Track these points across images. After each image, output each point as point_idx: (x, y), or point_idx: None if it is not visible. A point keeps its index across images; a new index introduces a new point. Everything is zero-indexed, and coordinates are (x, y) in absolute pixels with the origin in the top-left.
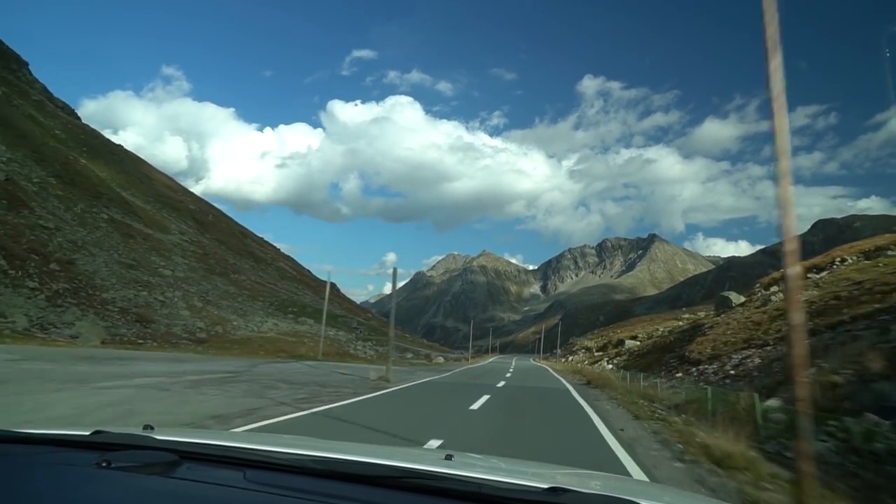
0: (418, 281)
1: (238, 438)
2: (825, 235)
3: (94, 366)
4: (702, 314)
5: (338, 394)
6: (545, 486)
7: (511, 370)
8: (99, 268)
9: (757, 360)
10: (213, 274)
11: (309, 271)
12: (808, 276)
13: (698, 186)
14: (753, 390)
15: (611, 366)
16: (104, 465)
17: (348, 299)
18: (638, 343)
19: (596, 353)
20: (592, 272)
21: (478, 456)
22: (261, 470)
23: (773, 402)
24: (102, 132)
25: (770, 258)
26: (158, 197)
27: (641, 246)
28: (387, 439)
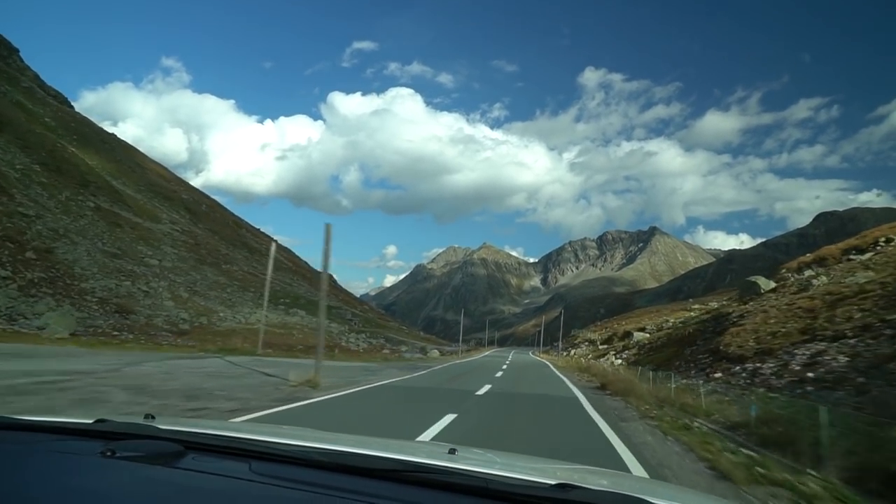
0: (418, 273)
1: (243, 429)
2: (827, 228)
3: None
4: (714, 304)
5: (201, 412)
6: (552, 482)
7: (505, 366)
8: (80, 256)
9: (842, 359)
10: (204, 264)
11: (306, 263)
12: (850, 257)
13: (699, 179)
14: (876, 407)
15: (620, 360)
16: (108, 454)
17: (345, 291)
18: (647, 335)
19: (600, 347)
20: (593, 265)
21: (481, 451)
22: (266, 461)
23: None
24: (101, 124)
25: (771, 251)
26: (151, 186)
27: (642, 239)
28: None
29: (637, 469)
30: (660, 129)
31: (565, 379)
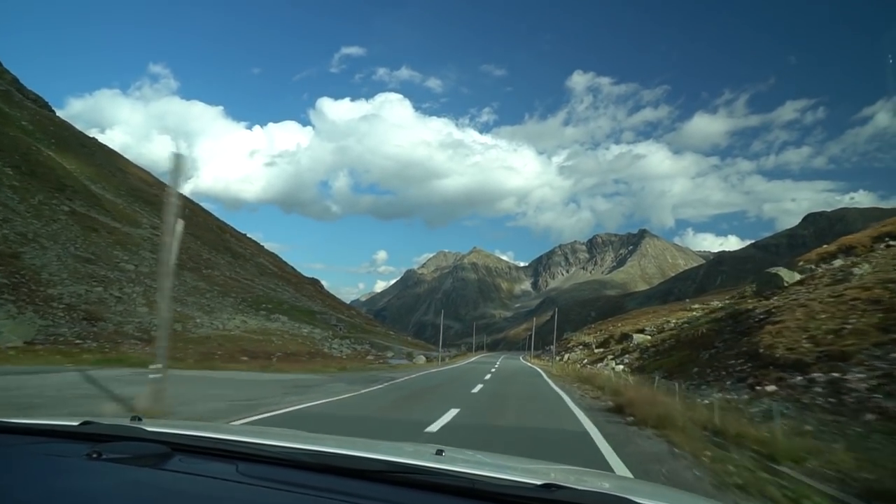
0: (409, 279)
1: (230, 431)
2: (816, 228)
3: None
4: (717, 303)
5: None
6: (539, 482)
7: (489, 376)
8: (49, 262)
9: None
10: (184, 269)
11: (293, 268)
12: (889, 243)
13: (688, 182)
14: None
15: (621, 366)
16: (94, 456)
17: (332, 296)
18: (648, 337)
19: (596, 350)
20: (583, 268)
21: (469, 451)
22: (253, 463)
23: None
24: (88, 131)
25: (761, 251)
26: (132, 190)
27: (632, 241)
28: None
29: None
30: (648, 132)
31: (564, 396)
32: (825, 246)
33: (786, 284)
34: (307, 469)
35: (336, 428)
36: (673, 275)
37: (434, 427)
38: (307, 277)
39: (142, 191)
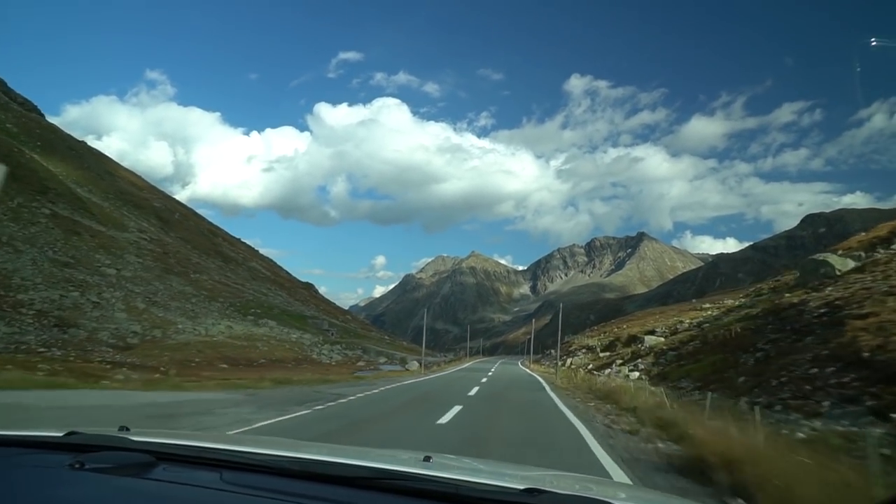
0: (407, 283)
1: (215, 440)
2: (815, 229)
3: None
4: (731, 301)
5: None
6: (521, 486)
7: (475, 390)
8: (23, 266)
9: None
10: (171, 273)
11: (287, 272)
12: None
13: (686, 184)
14: None
15: (636, 373)
16: (77, 466)
17: (327, 300)
18: (661, 339)
19: (602, 354)
20: (582, 271)
21: (456, 457)
22: (237, 471)
23: None
24: (85, 137)
25: (760, 253)
26: (120, 194)
27: (630, 244)
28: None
29: None
30: (646, 135)
31: (584, 430)
32: (863, 234)
33: (838, 273)
34: (292, 476)
35: None
36: (672, 277)
37: None
38: (301, 282)
39: (131, 194)
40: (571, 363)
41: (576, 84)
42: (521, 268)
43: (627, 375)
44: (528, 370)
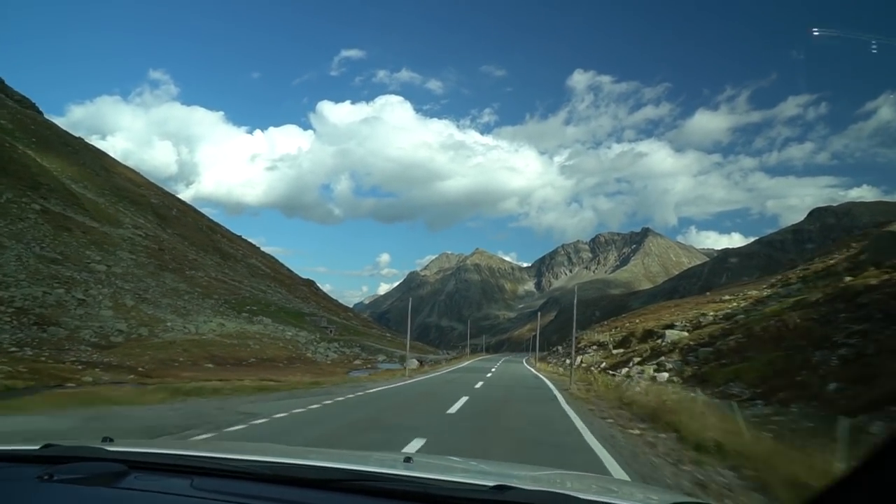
0: (412, 281)
1: (191, 447)
2: (822, 223)
3: None
4: (754, 292)
5: None
6: (491, 483)
7: (461, 402)
8: (6, 262)
9: None
10: (165, 270)
11: (288, 269)
12: None
13: (690, 179)
14: None
15: (664, 373)
16: (46, 478)
17: (328, 297)
18: (685, 334)
19: (615, 351)
20: (587, 268)
21: (438, 457)
22: (209, 477)
23: None
24: (89, 137)
25: (766, 248)
26: (117, 190)
27: (635, 240)
28: None
29: None
30: (650, 130)
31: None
32: None
33: None
34: (263, 481)
35: None
36: (677, 273)
37: None
38: (302, 279)
39: (127, 190)
40: (581, 361)
41: (579, 79)
42: (525, 264)
43: (654, 377)
44: (533, 370)
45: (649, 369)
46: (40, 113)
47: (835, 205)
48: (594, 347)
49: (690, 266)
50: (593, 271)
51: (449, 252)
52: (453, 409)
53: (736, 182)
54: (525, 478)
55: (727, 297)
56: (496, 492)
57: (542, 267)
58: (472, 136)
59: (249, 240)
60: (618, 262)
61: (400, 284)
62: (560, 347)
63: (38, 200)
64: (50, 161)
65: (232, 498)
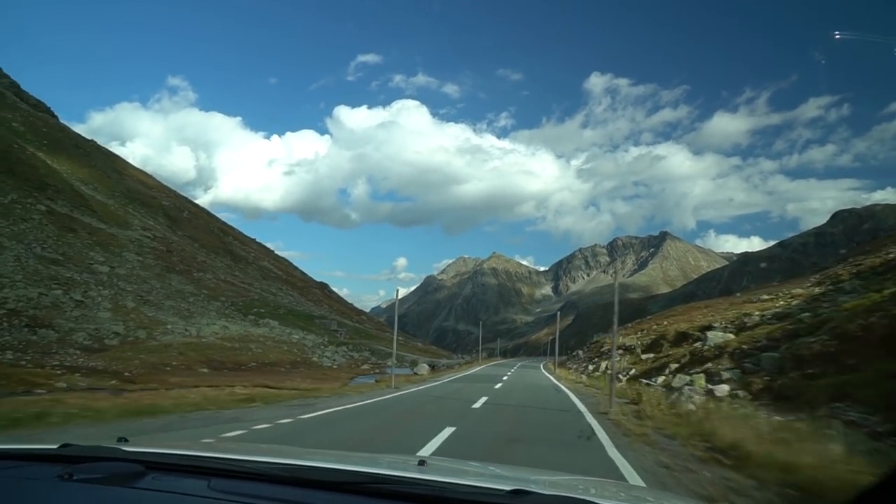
0: (429, 285)
1: (207, 448)
2: (845, 226)
3: None
4: (800, 290)
5: None
6: (508, 488)
7: (446, 436)
8: (3, 262)
9: None
10: (172, 272)
11: (302, 272)
12: None
13: (709, 183)
14: None
15: (723, 386)
16: (66, 477)
17: (342, 300)
18: (731, 336)
19: (644, 357)
20: (604, 271)
21: (451, 460)
22: (226, 478)
23: None
24: (109, 144)
25: (787, 251)
26: (128, 192)
27: (653, 244)
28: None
29: None
30: (668, 133)
31: None
32: None
33: None
34: (280, 483)
35: None
36: (696, 277)
37: None
38: (315, 282)
39: (138, 192)
40: (607, 368)
41: (596, 82)
42: (542, 268)
43: (708, 390)
44: (552, 378)
45: (699, 380)
46: (55, 117)
47: (859, 207)
48: (619, 352)
49: (709, 270)
50: (611, 275)
51: (466, 256)
52: (447, 433)
53: (755, 185)
54: (543, 483)
55: (766, 297)
56: (513, 497)
57: (560, 271)
58: (489, 140)
59: (267, 245)
60: (636, 266)
61: (417, 288)
62: (580, 352)
63: (45, 201)
64: (60, 163)
65: (248, 499)
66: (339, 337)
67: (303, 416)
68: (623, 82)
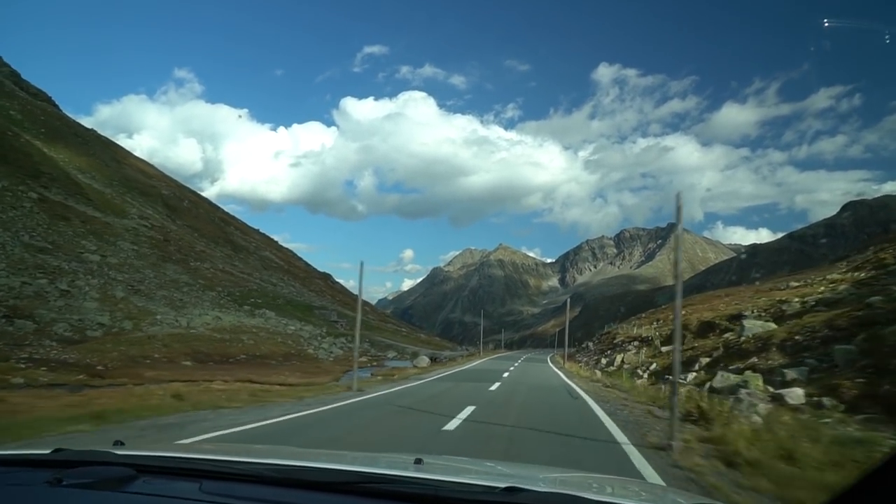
0: (435, 276)
1: (201, 450)
2: (856, 217)
3: None
4: (837, 275)
5: None
6: (502, 485)
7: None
8: None
9: None
10: (167, 261)
11: (305, 263)
12: None
13: (717, 174)
14: None
15: (794, 391)
16: (55, 482)
17: (345, 291)
18: (773, 325)
19: (664, 350)
20: (611, 263)
21: (448, 458)
22: (217, 480)
23: None
24: (116, 136)
25: (797, 243)
26: (126, 181)
27: (660, 235)
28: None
29: None
30: (676, 124)
31: None
32: None
33: None
34: (272, 484)
35: None
36: (703, 268)
37: None
38: (318, 272)
39: (137, 181)
40: (623, 361)
41: (604, 73)
42: (549, 260)
43: (775, 396)
44: (562, 374)
45: (755, 380)
46: (55, 106)
47: (870, 199)
48: (635, 344)
49: (717, 261)
50: (618, 267)
51: (472, 248)
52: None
53: (764, 176)
54: (541, 479)
55: (795, 284)
56: (507, 494)
57: (566, 263)
58: (496, 132)
59: (273, 237)
60: (643, 258)
61: (423, 280)
62: (591, 343)
63: (38, 189)
64: (57, 152)
65: (241, 502)
66: (339, 328)
67: (276, 420)
68: (631, 73)
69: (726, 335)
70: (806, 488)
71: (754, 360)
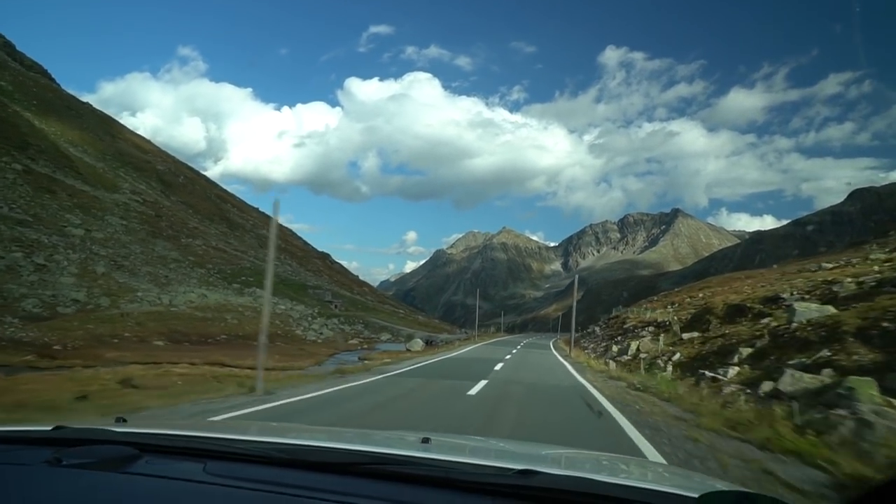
0: (438, 259)
1: (204, 428)
2: (863, 204)
3: None
4: (875, 256)
5: None
6: (517, 467)
7: None
8: None
9: None
10: (157, 237)
11: (304, 242)
12: None
13: (723, 160)
14: None
15: None
16: (54, 462)
17: (344, 271)
18: (831, 309)
19: (685, 337)
20: (614, 248)
21: (456, 436)
22: (222, 461)
23: None
24: (119, 115)
25: (802, 230)
26: (119, 155)
27: (664, 221)
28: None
29: None
30: (682, 109)
31: None
32: None
33: None
34: (277, 465)
35: None
36: (707, 254)
37: None
38: (317, 251)
39: (131, 156)
40: (639, 349)
41: (611, 56)
42: (552, 244)
43: None
44: (569, 366)
45: (866, 387)
46: (50, 79)
47: (878, 186)
48: (650, 329)
49: (721, 248)
50: (621, 252)
51: (476, 230)
52: None
53: (770, 163)
54: (554, 459)
55: (829, 265)
56: (521, 476)
57: (570, 247)
58: (501, 114)
59: (281, 219)
60: (646, 243)
61: (426, 262)
62: (597, 328)
63: (24, 160)
64: (49, 124)
65: (245, 483)
66: (334, 308)
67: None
68: (638, 56)
69: (765, 320)
70: None
71: (825, 352)
